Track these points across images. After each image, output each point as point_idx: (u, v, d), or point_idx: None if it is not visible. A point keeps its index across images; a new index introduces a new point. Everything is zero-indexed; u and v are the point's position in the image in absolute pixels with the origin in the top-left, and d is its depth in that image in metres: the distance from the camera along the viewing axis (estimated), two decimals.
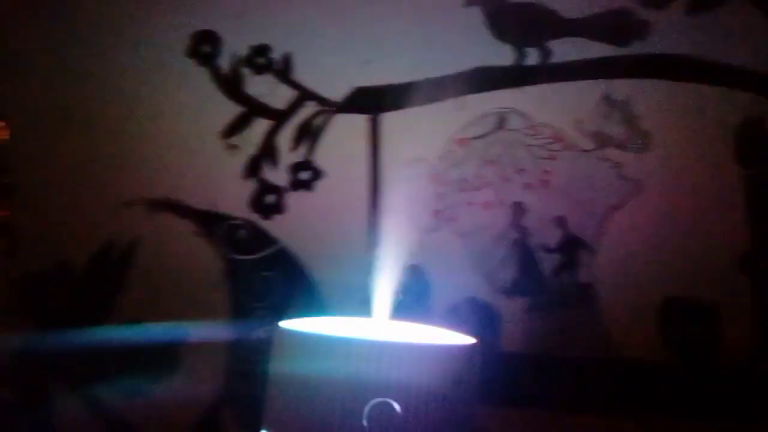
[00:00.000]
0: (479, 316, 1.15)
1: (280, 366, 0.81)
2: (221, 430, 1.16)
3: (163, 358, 1.18)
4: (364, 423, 0.76)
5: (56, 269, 1.23)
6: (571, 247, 1.15)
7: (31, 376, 1.21)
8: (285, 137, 1.23)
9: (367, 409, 0.76)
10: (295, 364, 0.80)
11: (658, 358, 1.11)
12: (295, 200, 1.21)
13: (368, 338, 0.79)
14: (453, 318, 1.14)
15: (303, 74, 1.24)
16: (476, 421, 0.85)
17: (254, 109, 1.24)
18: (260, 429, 0.82)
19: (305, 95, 1.23)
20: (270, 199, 1.22)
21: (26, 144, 1.27)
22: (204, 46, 1.26)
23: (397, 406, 0.77)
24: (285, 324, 0.84)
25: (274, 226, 1.21)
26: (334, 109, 1.22)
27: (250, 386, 1.14)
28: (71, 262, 1.23)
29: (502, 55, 1.20)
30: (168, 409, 1.17)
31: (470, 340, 0.88)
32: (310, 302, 1.17)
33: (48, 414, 1.20)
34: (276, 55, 1.24)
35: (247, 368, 1.16)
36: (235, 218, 1.21)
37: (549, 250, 1.15)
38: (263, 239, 1.21)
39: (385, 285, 1.01)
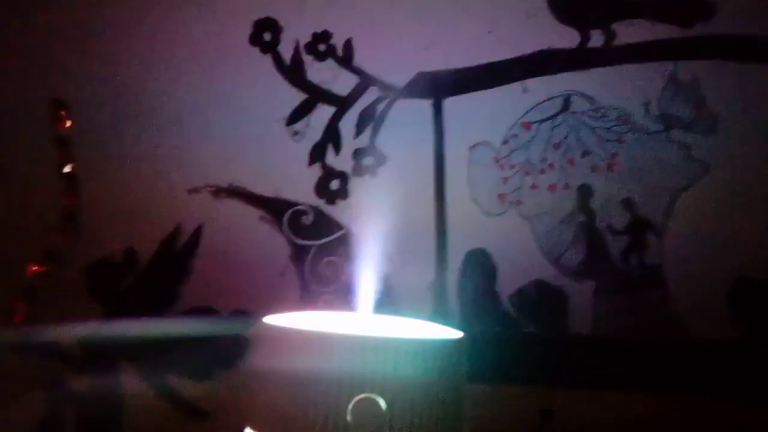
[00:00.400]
0: (546, 300, 1.15)
1: (263, 362, 0.81)
2: None
3: (230, 344, 1.19)
4: (348, 419, 0.75)
5: (123, 256, 1.25)
6: (639, 229, 1.15)
7: (100, 363, 1.23)
8: (348, 123, 1.24)
9: (351, 405, 0.76)
10: (278, 360, 0.79)
11: (727, 339, 1.11)
12: (359, 186, 1.23)
13: (352, 333, 0.79)
14: (521, 301, 1.15)
15: (364, 60, 1.25)
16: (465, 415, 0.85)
17: (317, 95, 1.25)
18: None
19: (367, 81, 1.24)
20: (334, 184, 1.23)
21: (90, 132, 1.29)
22: (266, 34, 1.27)
23: (382, 402, 0.76)
24: (268, 319, 0.84)
25: (338, 211, 1.22)
26: (397, 94, 1.23)
27: None
28: (138, 249, 1.25)
29: (566, 38, 1.20)
30: (236, 393, 1.19)
31: (457, 334, 0.87)
32: (377, 286, 1.19)
33: (117, 400, 1.22)
34: (337, 41, 1.25)
35: None
36: (299, 204, 1.23)
37: (616, 233, 1.15)
38: (328, 224, 1.22)
39: (366, 280, 1.01)
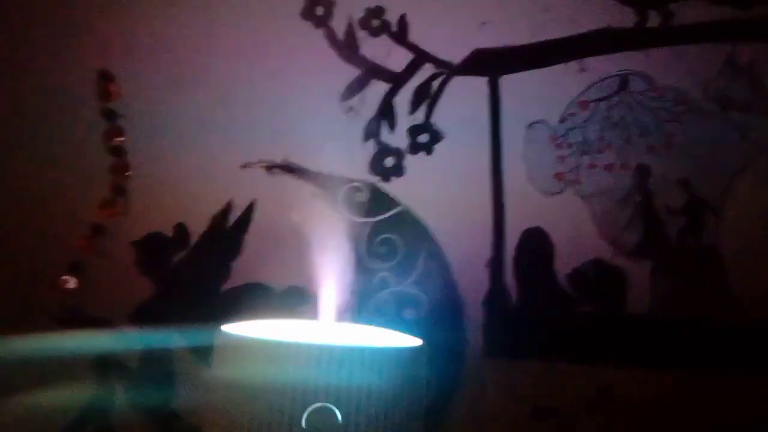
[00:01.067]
0: (603, 279, 1.16)
1: (221, 370, 0.81)
2: None
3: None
4: (303, 426, 0.76)
5: (174, 232, 1.24)
6: (696, 209, 1.15)
7: (151, 338, 1.22)
8: (403, 100, 1.23)
9: (306, 414, 0.76)
10: (236, 368, 0.79)
11: None
12: (414, 163, 1.22)
13: (307, 342, 0.78)
14: (579, 280, 1.16)
15: (419, 36, 1.23)
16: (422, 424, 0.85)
17: (371, 71, 1.23)
18: None
19: (422, 57, 1.23)
20: (389, 161, 1.22)
21: (138, 106, 1.27)
22: (318, 8, 1.25)
23: (337, 412, 0.77)
24: (227, 328, 0.84)
25: (394, 188, 1.22)
26: (452, 71, 1.22)
27: None
28: (189, 224, 1.24)
29: (623, 17, 1.19)
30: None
31: (416, 342, 0.87)
32: (434, 264, 1.19)
33: (168, 375, 1.22)
34: (391, 16, 1.24)
35: None
36: (354, 180, 1.22)
37: (674, 213, 1.16)
38: (383, 201, 1.21)
39: (329, 288, 1.01)
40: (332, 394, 0.76)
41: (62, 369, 1.18)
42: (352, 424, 0.77)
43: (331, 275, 1.19)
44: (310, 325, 0.94)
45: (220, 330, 0.83)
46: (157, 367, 1.21)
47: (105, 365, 1.22)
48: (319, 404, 0.76)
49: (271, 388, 0.75)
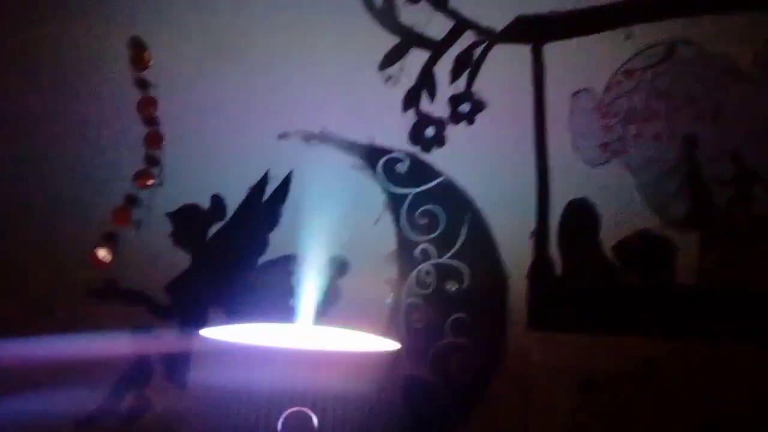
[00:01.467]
0: (650, 250, 1.14)
1: (199, 375, 0.83)
2: None
3: (324, 290, 1.18)
4: (279, 430, 0.76)
5: (211, 203, 1.21)
6: (745, 179, 1.13)
7: (189, 307, 1.21)
8: (443, 68, 1.20)
9: (281, 419, 0.76)
10: (213, 373, 0.80)
11: None
12: (455, 133, 1.19)
13: (284, 346, 0.79)
14: (625, 251, 1.14)
15: (460, 2, 1.20)
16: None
17: (410, 39, 1.21)
18: None
19: (463, 24, 1.20)
20: (430, 131, 1.20)
21: (173, 75, 1.24)
22: None
23: (313, 416, 0.77)
24: (205, 332, 0.85)
25: (434, 159, 1.19)
26: (494, 38, 1.19)
27: None
28: (225, 195, 1.22)
29: None
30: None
31: (392, 346, 0.87)
32: (476, 235, 1.17)
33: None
34: None
35: None
36: (394, 151, 1.20)
37: (722, 183, 1.14)
38: (424, 172, 1.19)
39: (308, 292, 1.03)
40: (308, 398, 0.77)
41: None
42: (327, 428, 0.78)
43: (370, 248, 1.18)
44: (288, 329, 0.95)
45: (199, 334, 0.85)
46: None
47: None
48: (295, 408, 0.77)
49: (247, 392, 0.76)
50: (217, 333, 0.86)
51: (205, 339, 0.83)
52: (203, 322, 1.19)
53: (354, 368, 0.79)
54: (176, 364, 1.19)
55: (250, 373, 0.76)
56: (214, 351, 0.81)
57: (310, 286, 1.04)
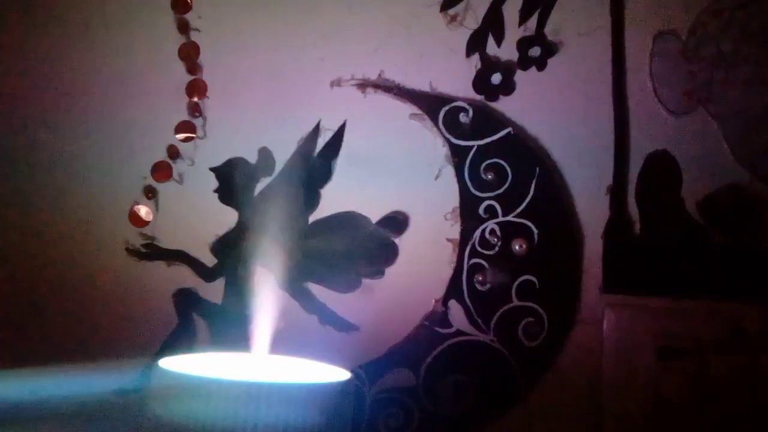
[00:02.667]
0: (739, 207, 1.04)
1: (153, 407, 0.81)
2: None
3: (380, 249, 1.10)
4: None
5: (258, 156, 1.13)
6: None
7: (235, 268, 1.13)
8: (512, 8, 1.10)
9: None
10: (166, 405, 0.80)
11: None
12: (524, 80, 1.09)
13: (234, 379, 0.79)
14: (711, 208, 1.05)
15: None
16: None
17: None
18: None
19: None
20: (496, 78, 1.10)
21: (216, 18, 1.15)
22: None
23: None
24: (162, 363, 0.84)
25: (501, 108, 1.10)
26: None
27: None
28: (274, 148, 1.14)
29: None
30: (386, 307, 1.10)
31: (345, 376, 0.87)
32: (547, 191, 1.08)
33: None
34: None
35: None
36: (457, 99, 1.10)
37: None
38: (490, 123, 1.09)
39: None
40: (259, 431, 0.77)
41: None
42: None
43: (431, 204, 1.10)
44: (244, 359, 0.94)
45: (155, 366, 0.84)
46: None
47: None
48: None
49: (200, 426, 0.76)
50: (174, 364, 0.86)
51: (160, 370, 0.83)
52: (249, 284, 1.14)
53: (304, 400, 0.79)
54: (221, 327, 1.14)
55: (201, 406, 0.77)
56: (168, 383, 0.81)
57: (262, 315, 1.02)
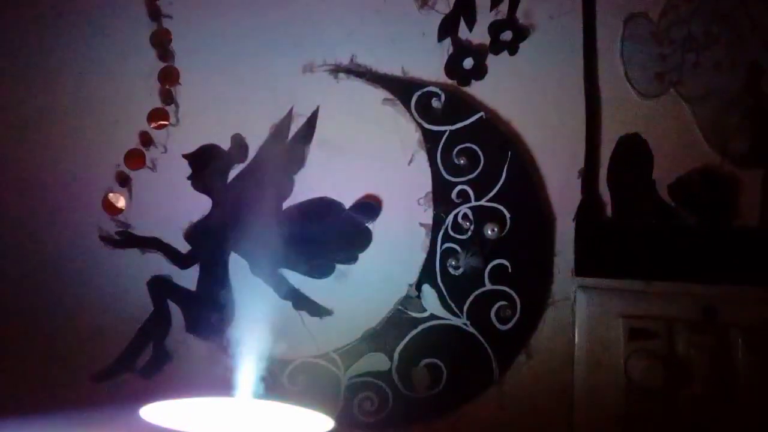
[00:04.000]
0: (710, 189, 1.05)
1: None
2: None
3: (354, 234, 1.10)
4: None
5: (231, 143, 1.13)
6: None
7: (210, 254, 1.13)
8: None
9: None
10: None
11: None
12: (496, 64, 1.09)
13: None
14: (682, 190, 1.05)
15: None
16: None
17: None
18: None
19: None
20: (468, 63, 1.10)
21: (187, 5, 1.15)
22: None
23: None
24: (144, 411, 0.84)
25: (473, 92, 1.09)
26: None
27: None
28: (247, 135, 1.13)
29: None
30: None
31: (328, 425, 0.86)
32: (519, 175, 1.08)
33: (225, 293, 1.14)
34: None
35: None
36: (429, 84, 1.10)
37: None
38: (462, 107, 1.09)
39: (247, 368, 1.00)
40: None
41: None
42: None
43: (403, 190, 1.10)
44: (227, 404, 0.94)
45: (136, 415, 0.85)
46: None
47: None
48: None
49: None
50: (156, 412, 0.86)
51: (140, 420, 0.84)
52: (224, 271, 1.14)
53: None
54: (196, 314, 1.14)
55: None
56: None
57: (247, 366, 1.02)
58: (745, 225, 1.03)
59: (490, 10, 1.09)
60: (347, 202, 1.11)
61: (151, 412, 0.86)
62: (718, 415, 0.99)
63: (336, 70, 1.12)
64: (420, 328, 1.07)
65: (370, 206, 1.11)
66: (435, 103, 1.10)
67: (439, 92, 1.10)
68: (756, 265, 1.02)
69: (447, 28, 1.10)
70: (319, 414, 0.92)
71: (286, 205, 1.12)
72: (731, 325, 1.01)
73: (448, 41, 1.10)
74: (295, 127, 1.13)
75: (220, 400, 0.96)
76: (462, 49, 1.10)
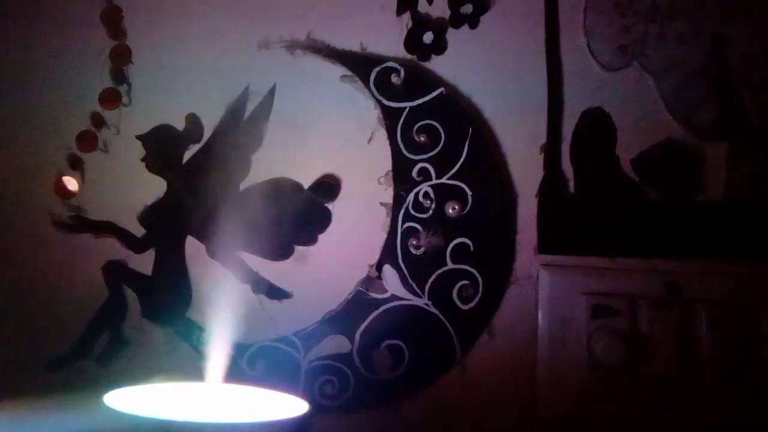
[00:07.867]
0: (674, 163, 1.03)
1: None
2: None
3: (313, 215, 1.07)
4: None
5: (186, 123, 1.09)
6: None
7: (165, 237, 1.10)
8: None
9: None
10: None
11: None
12: (457, 38, 1.06)
13: (191, 420, 0.77)
14: (646, 165, 1.03)
15: None
16: None
17: None
18: None
19: None
20: (428, 37, 1.07)
21: None
22: None
23: None
24: (108, 398, 0.80)
25: (434, 67, 1.07)
26: None
27: None
28: (202, 115, 1.10)
29: None
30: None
31: (302, 408, 0.84)
32: (480, 151, 1.06)
33: (183, 278, 1.11)
34: None
35: None
36: (388, 59, 1.07)
37: (754, 88, 1.02)
38: (422, 83, 1.06)
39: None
40: None
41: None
42: None
43: (363, 168, 1.07)
44: (197, 389, 0.90)
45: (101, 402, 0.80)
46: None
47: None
48: None
49: None
50: (121, 398, 0.82)
51: (105, 407, 0.80)
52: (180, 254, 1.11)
53: None
54: (152, 299, 1.11)
55: None
56: (117, 425, 0.78)
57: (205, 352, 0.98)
58: (709, 199, 1.02)
59: None
60: (306, 182, 1.08)
61: (114, 398, 0.83)
62: (682, 391, 0.98)
63: (292, 46, 1.08)
64: (381, 308, 1.05)
65: (329, 186, 1.08)
66: (394, 79, 1.07)
67: (399, 68, 1.07)
68: (721, 240, 1.01)
69: (406, 1, 1.07)
70: (291, 397, 0.89)
71: (243, 186, 1.10)
72: (695, 300, 1.00)
73: (407, 15, 1.07)
74: (251, 106, 1.09)
75: (188, 385, 0.92)
76: (421, 22, 1.07)
